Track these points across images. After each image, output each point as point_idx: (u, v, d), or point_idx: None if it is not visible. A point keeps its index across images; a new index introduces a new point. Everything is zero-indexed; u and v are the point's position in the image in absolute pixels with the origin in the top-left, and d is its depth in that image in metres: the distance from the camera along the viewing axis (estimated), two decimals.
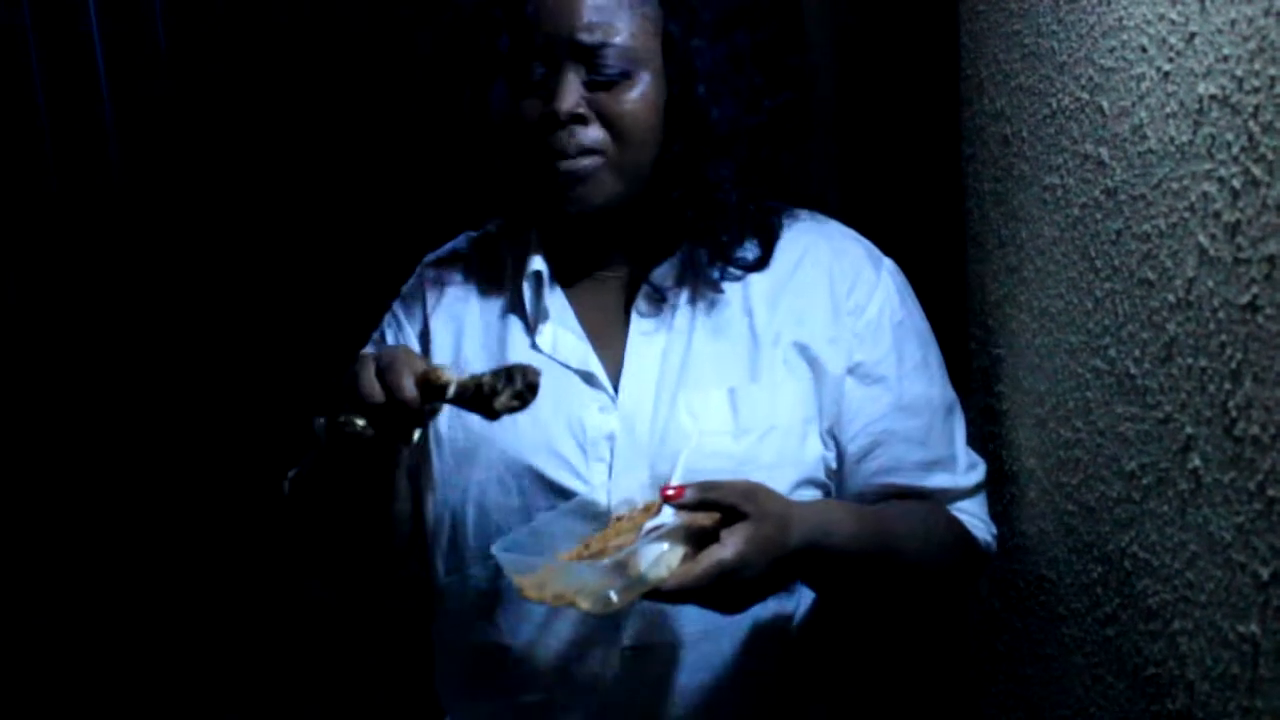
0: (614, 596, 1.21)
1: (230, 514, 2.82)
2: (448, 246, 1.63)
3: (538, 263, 1.50)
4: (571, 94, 1.38)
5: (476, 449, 1.47)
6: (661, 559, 1.22)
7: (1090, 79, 1.29)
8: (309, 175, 2.80)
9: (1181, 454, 1.14)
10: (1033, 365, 1.51)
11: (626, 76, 1.39)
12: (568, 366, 1.47)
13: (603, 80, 1.39)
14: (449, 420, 1.48)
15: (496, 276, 1.55)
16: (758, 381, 1.44)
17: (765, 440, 1.41)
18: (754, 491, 1.24)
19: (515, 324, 1.51)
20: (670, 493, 1.22)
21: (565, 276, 1.51)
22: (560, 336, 1.48)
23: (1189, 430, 1.12)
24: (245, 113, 2.82)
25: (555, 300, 1.50)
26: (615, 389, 1.45)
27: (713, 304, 1.47)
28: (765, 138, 1.44)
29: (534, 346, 1.48)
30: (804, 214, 1.53)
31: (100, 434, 2.83)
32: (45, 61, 3.03)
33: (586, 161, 1.39)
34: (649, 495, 1.36)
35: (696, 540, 1.23)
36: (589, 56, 1.39)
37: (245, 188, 2.84)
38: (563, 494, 1.42)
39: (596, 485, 1.41)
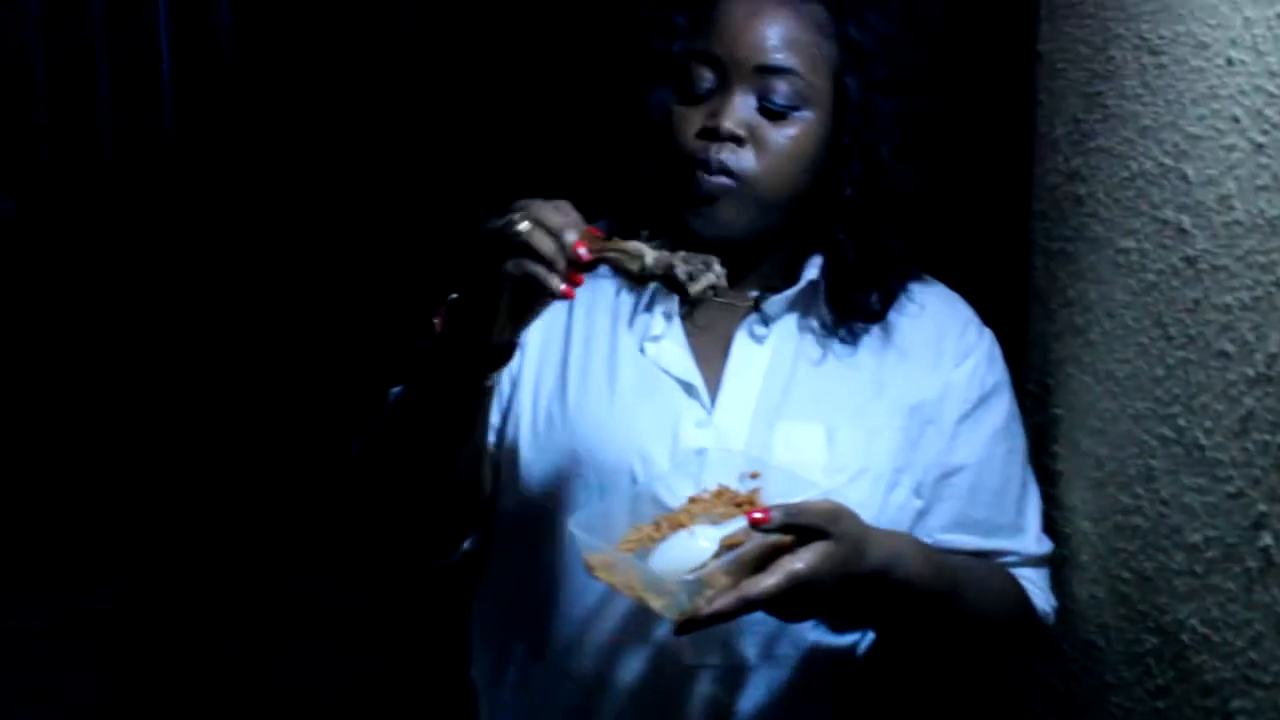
0: (685, 601, 1.22)
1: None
2: None
3: None
4: (738, 114, 1.39)
5: (562, 439, 1.47)
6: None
7: (1175, 145, 1.29)
8: (380, 165, 2.83)
9: (1252, 530, 1.13)
10: (1094, 428, 1.50)
11: (794, 110, 1.40)
12: (668, 373, 1.47)
13: (771, 109, 1.40)
14: (535, 402, 1.49)
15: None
16: (856, 424, 1.44)
17: (855, 482, 1.42)
18: (838, 514, 1.26)
19: (623, 327, 1.50)
20: (758, 516, 1.23)
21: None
22: (666, 344, 1.48)
23: (1261, 507, 1.11)
24: (317, 103, 2.86)
25: (666, 308, 1.49)
26: (713, 405, 1.46)
27: (822, 340, 1.48)
28: (921, 198, 1.47)
29: (641, 350, 1.48)
30: (928, 284, 1.55)
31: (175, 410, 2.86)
32: (111, 55, 3.07)
33: (726, 181, 1.39)
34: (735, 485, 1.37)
35: (773, 555, 1.24)
36: (764, 83, 1.40)
37: (321, 176, 2.87)
38: (641, 499, 1.41)
39: (682, 497, 1.39)
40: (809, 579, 1.22)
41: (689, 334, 1.49)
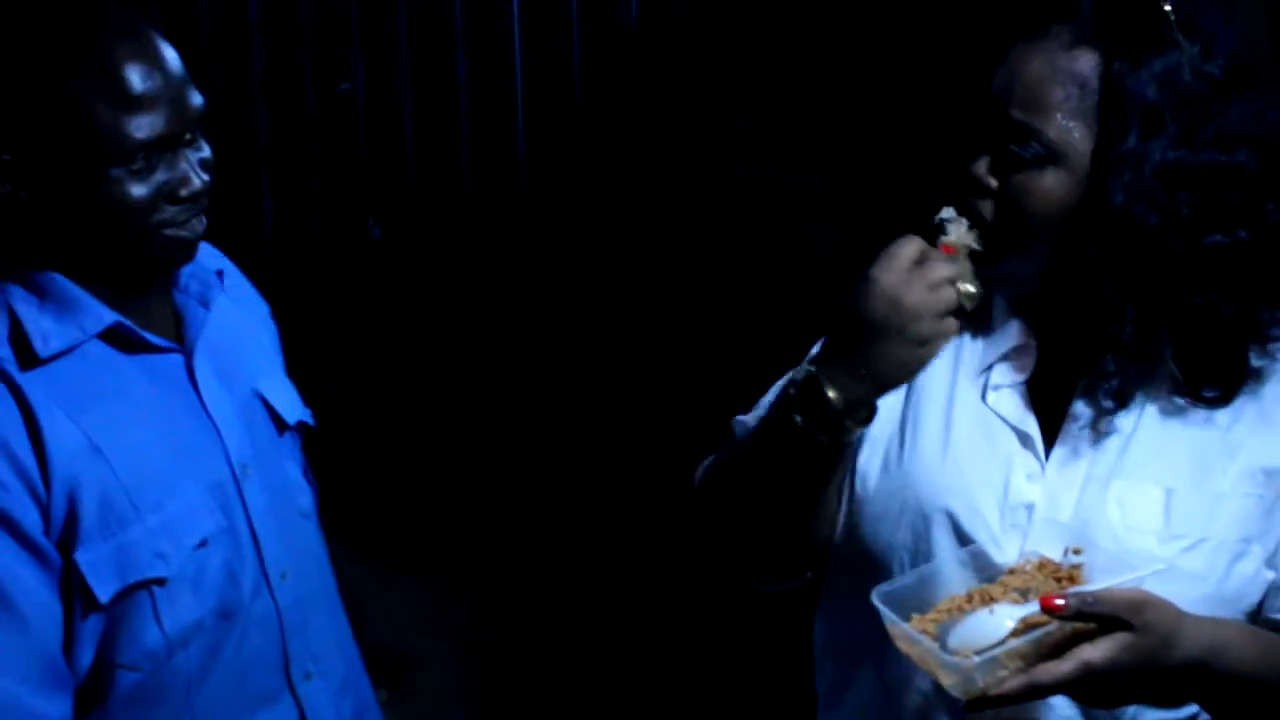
0: (978, 680, 1.21)
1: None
2: None
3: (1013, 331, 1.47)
4: (981, 165, 1.38)
5: (895, 483, 1.46)
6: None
7: None
8: (733, 180, 2.99)
9: None
10: None
11: (1038, 162, 1.35)
12: (1005, 421, 1.44)
13: (1021, 158, 1.36)
14: (873, 446, 1.48)
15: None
16: (1201, 488, 1.36)
17: (1194, 551, 1.35)
18: (1142, 605, 1.22)
19: (964, 374, 1.48)
20: (1058, 603, 1.21)
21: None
22: (1006, 393, 1.45)
23: None
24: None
25: (1016, 362, 1.46)
26: (1047, 457, 1.42)
27: (1170, 394, 1.40)
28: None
29: (982, 399, 1.46)
30: None
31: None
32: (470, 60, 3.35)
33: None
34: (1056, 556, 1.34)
35: (1076, 640, 1.22)
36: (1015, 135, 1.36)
37: (668, 199, 3.06)
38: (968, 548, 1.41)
39: (1007, 551, 1.38)
40: (1104, 669, 1.19)
41: (1031, 386, 1.45)
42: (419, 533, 3.49)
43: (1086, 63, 1.34)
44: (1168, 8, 1.33)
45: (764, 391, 1.58)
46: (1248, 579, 1.37)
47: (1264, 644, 1.30)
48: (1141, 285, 1.33)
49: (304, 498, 1.73)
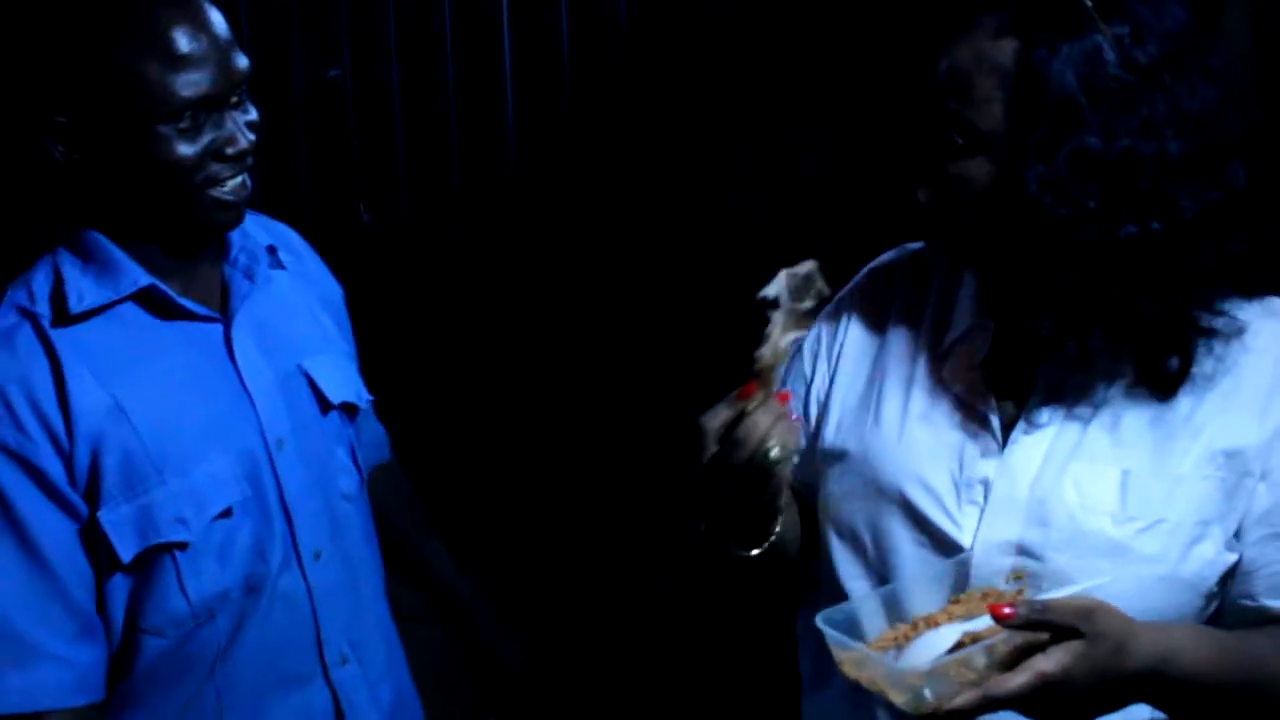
0: (928, 696, 1.18)
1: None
2: (889, 256, 1.63)
3: (966, 305, 1.49)
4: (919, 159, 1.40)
5: (854, 461, 1.49)
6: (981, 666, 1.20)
7: None
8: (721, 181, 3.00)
9: None
10: None
11: (966, 150, 1.37)
12: (962, 400, 1.45)
13: (954, 146, 1.37)
14: (839, 420, 1.52)
15: (923, 295, 1.54)
16: (1160, 470, 1.36)
17: (1150, 532, 1.35)
18: (1092, 611, 1.20)
19: (923, 353, 1.50)
20: (1007, 612, 1.19)
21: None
22: (968, 375, 1.46)
23: None
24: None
25: (976, 339, 1.47)
26: (1006, 437, 1.42)
27: (1134, 377, 1.40)
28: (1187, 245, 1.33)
29: (941, 378, 1.47)
30: (1254, 304, 1.41)
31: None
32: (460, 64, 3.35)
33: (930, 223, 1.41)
34: (1012, 562, 1.34)
35: (1025, 653, 1.20)
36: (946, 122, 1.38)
37: (659, 190, 3.06)
38: (924, 527, 1.42)
39: (965, 528, 1.39)
40: (1059, 679, 1.17)
41: (989, 365, 1.45)
42: None
43: (1008, 51, 1.34)
44: None
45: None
46: (1207, 562, 1.36)
47: (1217, 644, 1.29)
48: (1058, 277, 1.32)
49: (348, 480, 1.74)
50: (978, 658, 1.18)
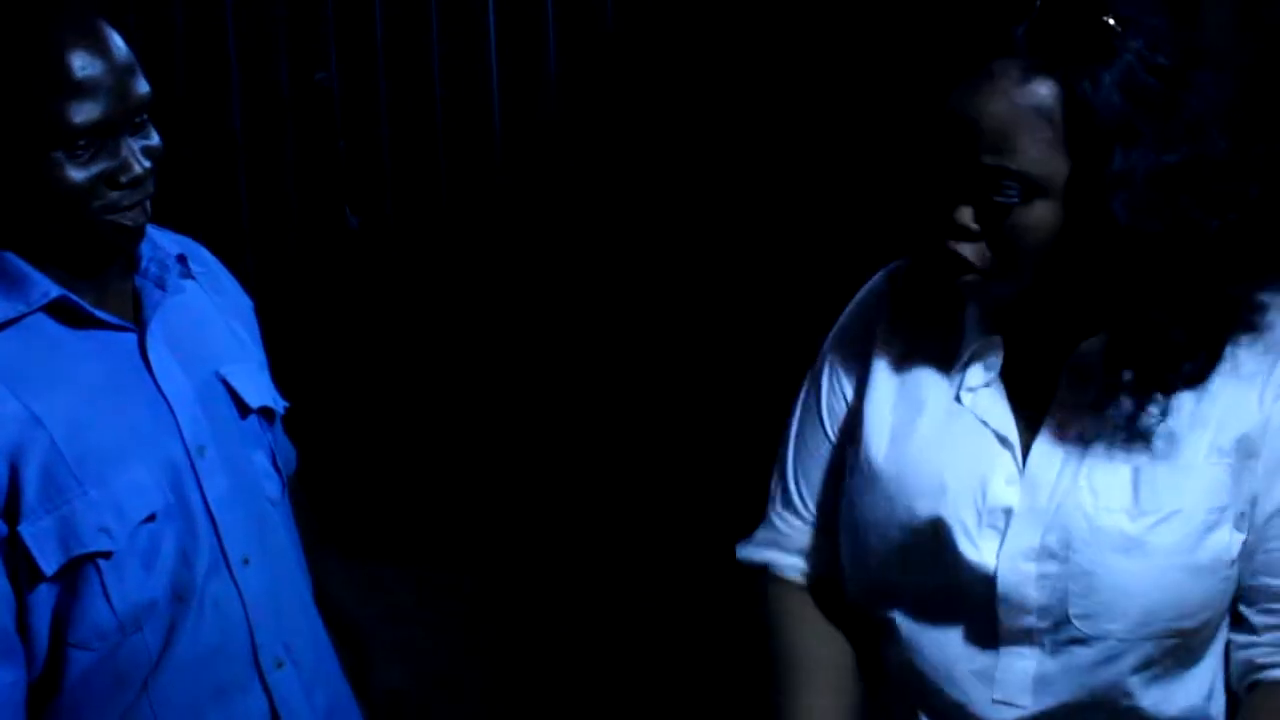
0: None
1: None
2: (877, 283, 1.63)
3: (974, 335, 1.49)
4: (964, 214, 1.39)
5: (878, 489, 1.49)
6: None
7: None
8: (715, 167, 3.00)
9: None
10: None
11: (1022, 200, 1.36)
12: (985, 424, 1.46)
13: (1004, 199, 1.36)
14: (862, 453, 1.51)
15: (936, 318, 1.54)
16: (1168, 461, 1.39)
17: (1165, 524, 1.37)
18: None
19: (939, 377, 1.50)
20: None
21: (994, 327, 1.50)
22: (984, 394, 1.47)
23: None
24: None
25: (988, 361, 1.48)
26: (1025, 457, 1.43)
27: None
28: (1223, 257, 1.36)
29: (957, 399, 1.48)
30: (1268, 297, 1.44)
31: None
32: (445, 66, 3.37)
33: (968, 277, 1.40)
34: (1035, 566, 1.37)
35: None
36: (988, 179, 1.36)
37: (649, 190, 3.06)
38: (948, 551, 1.44)
39: (984, 551, 1.42)
40: None
41: (1009, 388, 1.46)
42: (401, 525, 3.50)
43: (1046, 92, 1.33)
44: (1110, 21, 1.32)
45: (750, 383, 1.59)
46: (1224, 547, 1.39)
47: None
48: (1171, 288, 1.34)
49: (271, 485, 1.73)
50: None
